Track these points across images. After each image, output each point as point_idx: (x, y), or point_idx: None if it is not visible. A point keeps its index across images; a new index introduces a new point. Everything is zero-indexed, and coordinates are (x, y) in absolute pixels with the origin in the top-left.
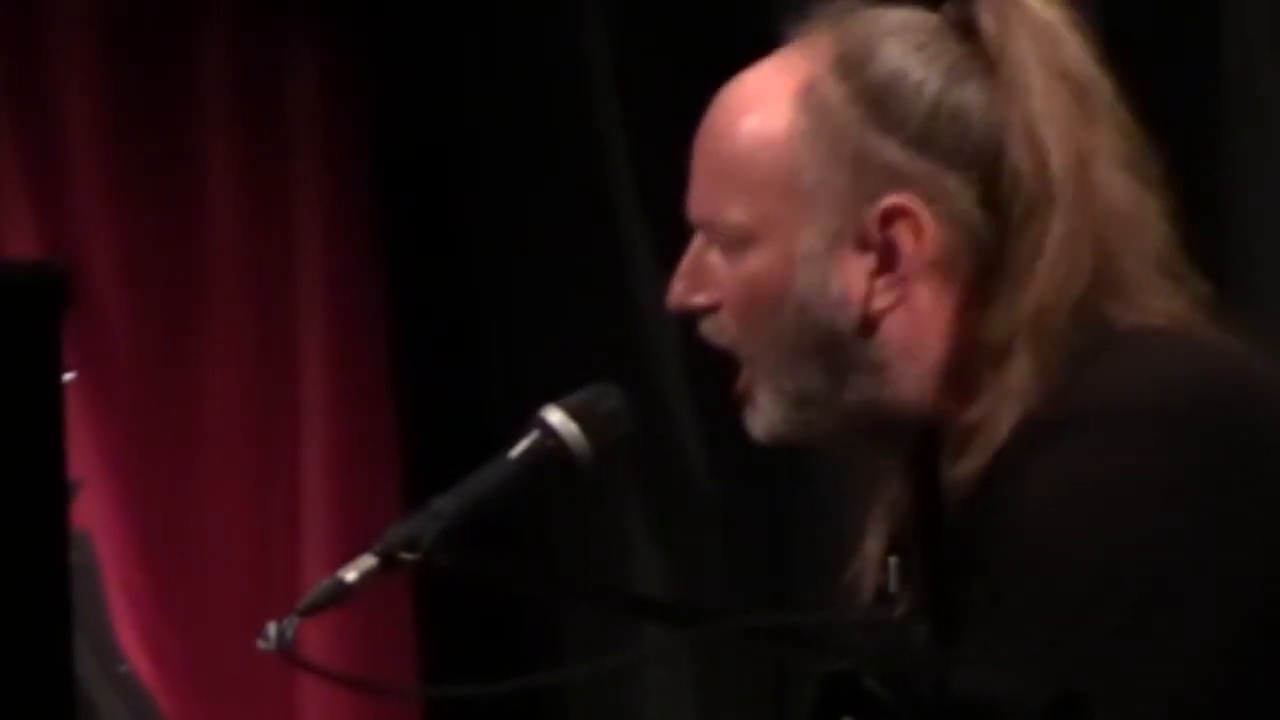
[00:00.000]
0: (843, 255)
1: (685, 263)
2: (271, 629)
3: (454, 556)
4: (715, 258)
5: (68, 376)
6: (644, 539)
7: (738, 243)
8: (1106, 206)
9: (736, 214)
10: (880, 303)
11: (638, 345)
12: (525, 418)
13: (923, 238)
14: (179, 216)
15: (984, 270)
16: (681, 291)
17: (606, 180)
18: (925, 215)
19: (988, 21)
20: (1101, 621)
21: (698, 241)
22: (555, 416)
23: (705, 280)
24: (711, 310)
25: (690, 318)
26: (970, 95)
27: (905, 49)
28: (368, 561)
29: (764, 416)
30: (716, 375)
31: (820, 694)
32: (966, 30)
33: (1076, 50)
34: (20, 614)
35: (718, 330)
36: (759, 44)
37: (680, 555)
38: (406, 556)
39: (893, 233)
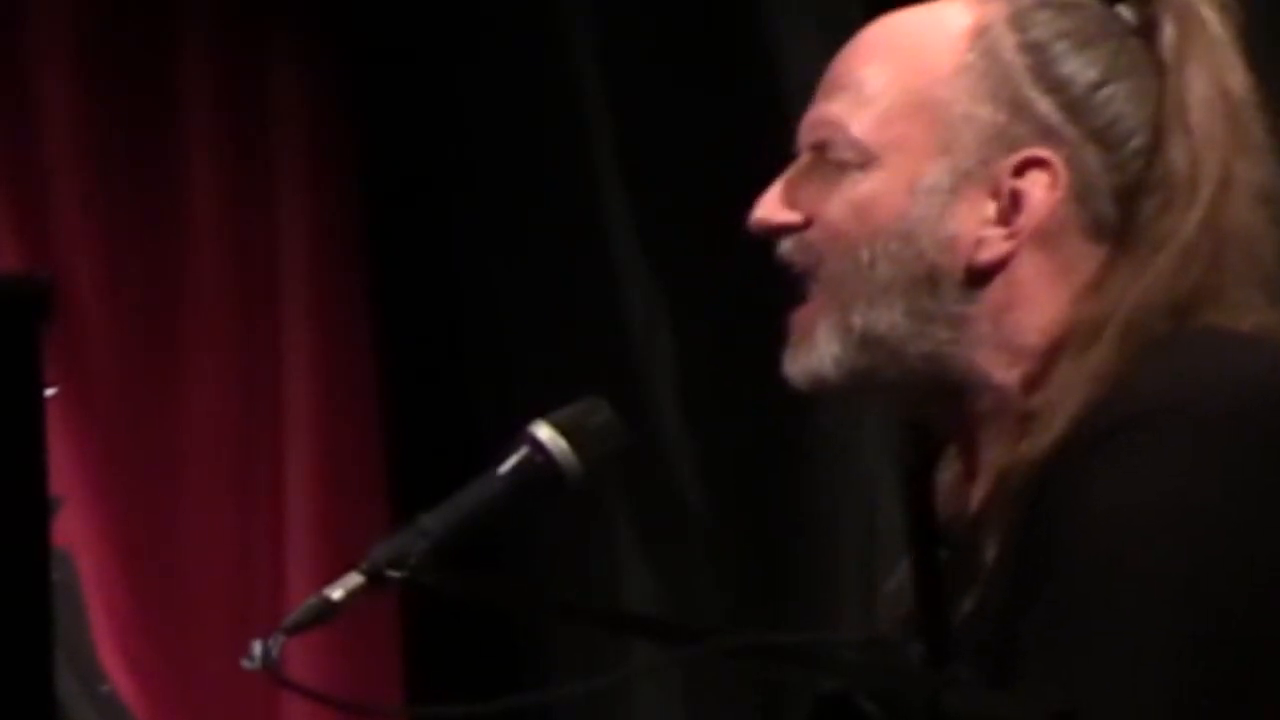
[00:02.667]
0: (966, 197)
1: (778, 183)
2: (256, 648)
3: (441, 574)
4: (815, 182)
5: (49, 392)
6: (634, 556)
7: (856, 163)
8: (1232, 231)
9: (867, 132)
10: (989, 253)
11: (629, 360)
12: (514, 433)
13: (1053, 197)
14: (162, 232)
15: (1095, 255)
16: (771, 207)
17: (597, 194)
18: (1063, 176)
19: (1168, 27)
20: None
21: (799, 164)
22: (544, 432)
23: (800, 199)
24: (800, 228)
25: (763, 239)
26: (1134, 86)
27: (1082, 21)
28: (354, 579)
29: (817, 353)
30: (708, 392)
31: (813, 714)
32: (1143, 29)
33: (1243, 76)
34: (0, 633)
35: (801, 250)
36: (752, 59)
37: (671, 573)
38: (393, 574)
39: (1024, 184)
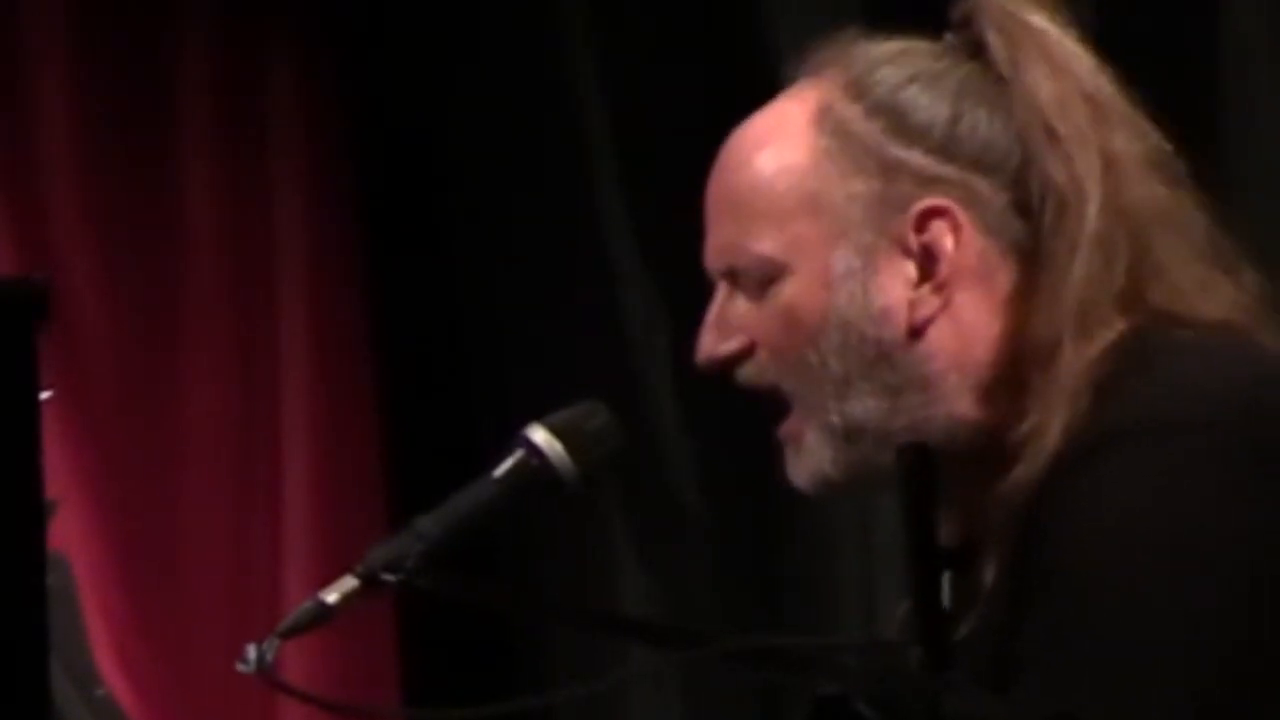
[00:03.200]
0: (881, 268)
1: (710, 316)
2: (251, 651)
3: (437, 578)
4: (741, 304)
5: (45, 394)
6: (632, 559)
7: (768, 277)
8: (1137, 204)
9: (765, 246)
10: (924, 311)
11: (625, 363)
12: (510, 436)
13: (961, 237)
14: (159, 234)
15: (1022, 275)
16: (711, 343)
17: (594, 197)
18: (961, 216)
19: (994, 39)
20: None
21: (720, 293)
22: (540, 435)
23: (733, 327)
24: (745, 355)
25: (716, 374)
26: (987, 108)
27: (914, 67)
28: (349, 583)
29: (812, 460)
30: (706, 393)
31: (812, 717)
32: (973, 51)
33: (1083, 60)
34: None
35: (757, 374)
36: (749, 59)
37: (668, 575)
38: (389, 578)
39: (930, 236)
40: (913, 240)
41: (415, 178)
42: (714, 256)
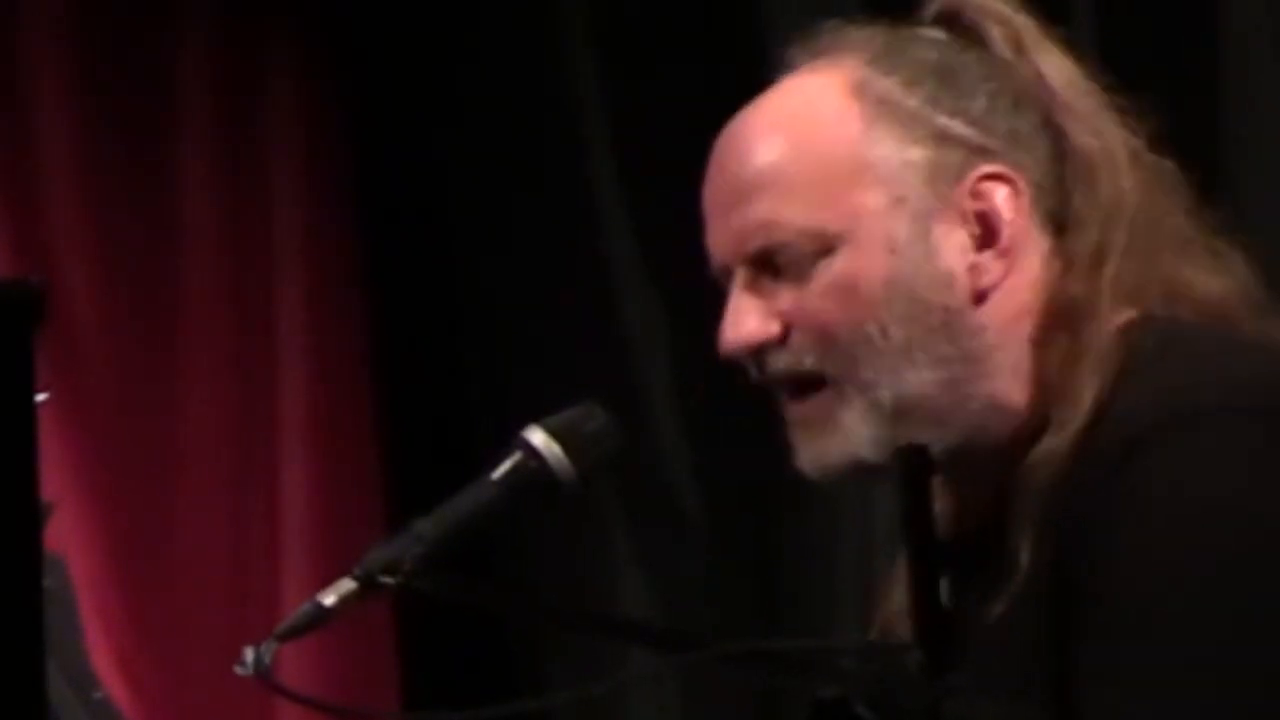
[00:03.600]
0: (941, 233)
1: (734, 305)
2: (249, 654)
3: (436, 580)
4: (772, 287)
5: (41, 396)
6: (630, 562)
7: (818, 251)
8: (1138, 188)
9: (816, 218)
10: (989, 277)
11: (625, 365)
12: (509, 438)
13: (1021, 204)
14: (156, 235)
15: (1058, 246)
16: (743, 330)
17: (593, 198)
18: (1020, 183)
19: (995, 31)
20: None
21: (741, 281)
22: (538, 437)
23: (767, 312)
24: (778, 342)
25: (744, 363)
26: (1010, 94)
27: (935, 47)
28: (347, 585)
29: (851, 440)
30: (704, 395)
31: None
32: (967, 45)
33: (1069, 55)
34: None
35: (796, 356)
36: (747, 58)
37: (667, 579)
38: (387, 580)
39: (988, 203)
40: (970, 207)
41: (414, 179)
42: (736, 241)
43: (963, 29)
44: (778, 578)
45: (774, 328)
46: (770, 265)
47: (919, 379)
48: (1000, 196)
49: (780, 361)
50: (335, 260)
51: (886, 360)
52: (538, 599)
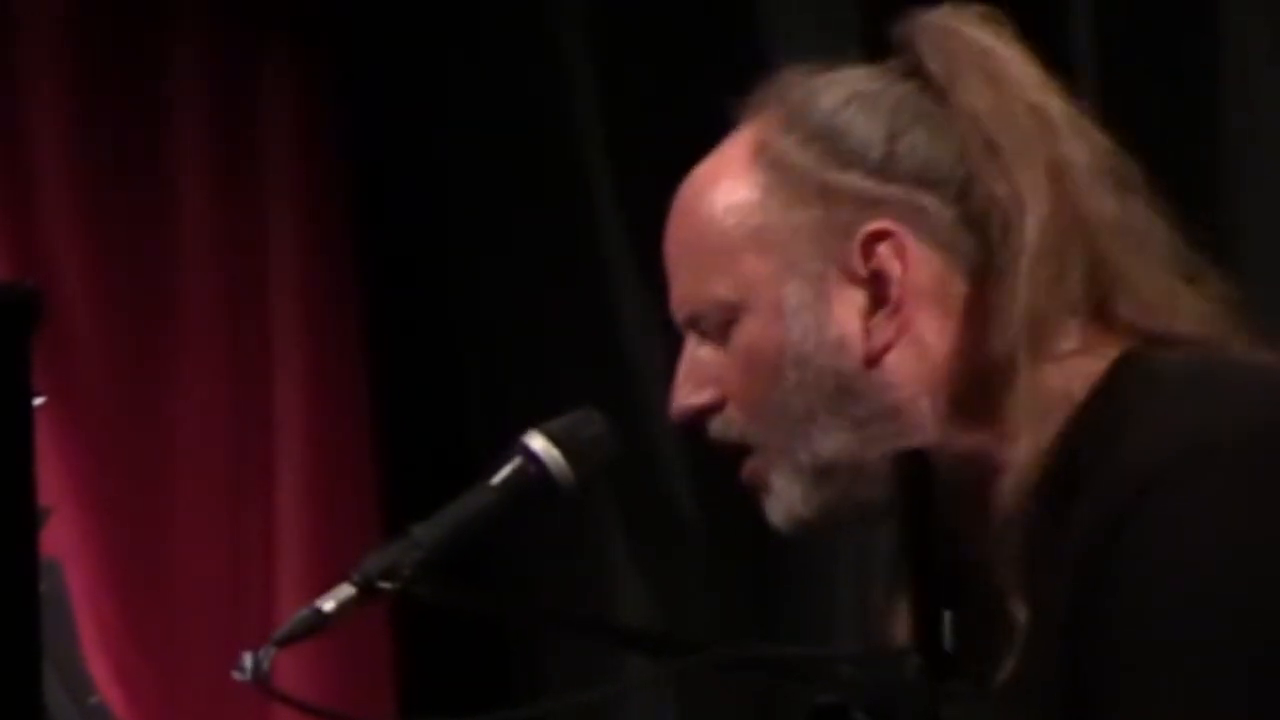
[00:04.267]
0: (832, 297)
1: (681, 370)
2: (247, 659)
3: (434, 586)
4: (707, 353)
5: (37, 401)
6: (628, 567)
7: (726, 321)
8: (1091, 214)
9: (719, 289)
10: (881, 338)
11: (622, 370)
12: (506, 443)
13: (908, 259)
14: (151, 239)
15: (975, 291)
16: (682, 397)
17: (590, 202)
18: (908, 236)
19: (931, 56)
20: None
21: (689, 345)
22: (537, 442)
23: (703, 379)
24: (716, 408)
25: (695, 428)
26: (927, 126)
27: (849, 90)
28: (345, 591)
29: (785, 500)
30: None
31: None
32: (911, 71)
33: (1025, 72)
34: None
35: (725, 426)
36: (745, 73)
37: (665, 585)
38: (385, 586)
39: (878, 261)
40: (861, 267)
41: (412, 183)
42: (677, 307)
43: (911, 58)
44: (775, 582)
45: (706, 397)
46: (705, 335)
47: (832, 441)
48: (887, 254)
49: (714, 429)
50: (331, 266)
51: (794, 427)
52: (535, 605)
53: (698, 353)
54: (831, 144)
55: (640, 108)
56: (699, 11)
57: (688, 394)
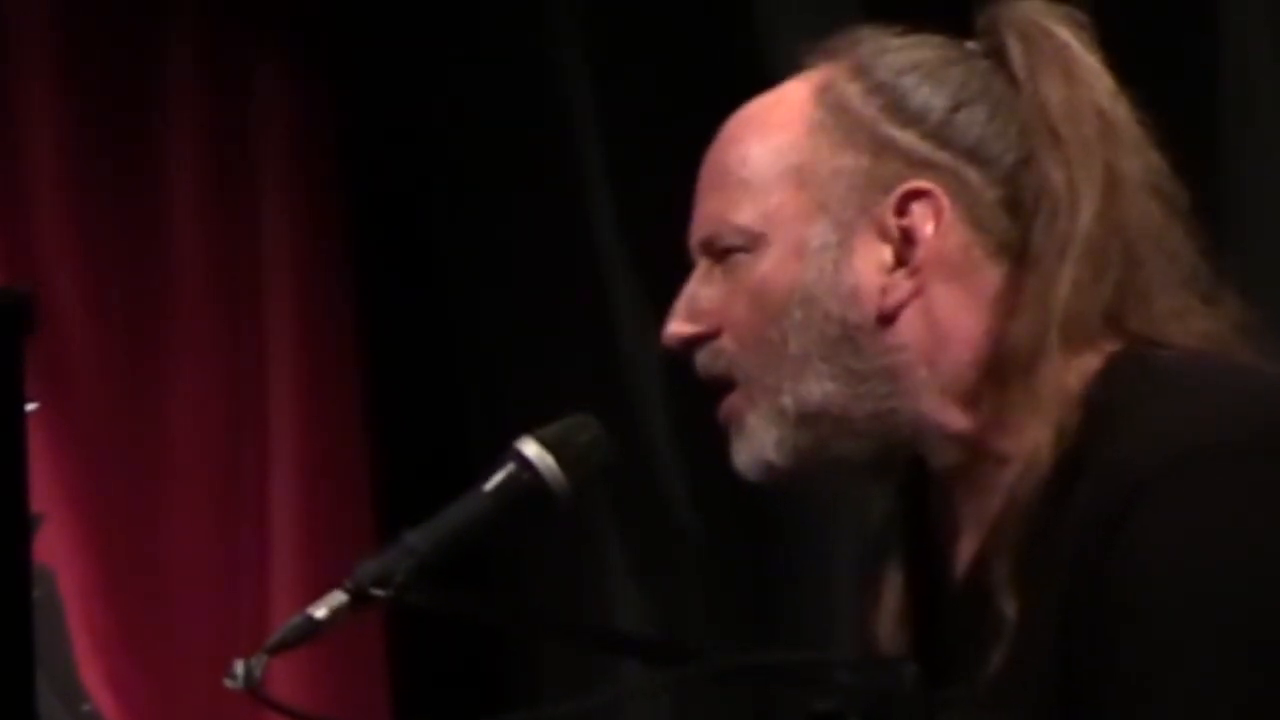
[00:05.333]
0: (856, 246)
1: (681, 298)
2: (239, 667)
3: (428, 593)
4: (714, 285)
5: (30, 407)
6: (624, 574)
7: (746, 247)
8: (1134, 222)
9: (746, 215)
10: (896, 296)
11: (618, 376)
12: (501, 449)
13: (943, 224)
14: (145, 245)
15: (1008, 277)
16: (678, 323)
17: (587, 207)
18: (945, 201)
19: (1013, 43)
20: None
21: (697, 272)
22: (531, 449)
23: (703, 309)
24: (710, 337)
25: (681, 356)
26: (990, 104)
27: (921, 56)
28: (338, 598)
29: (756, 442)
30: (699, 406)
31: None
32: (991, 55)
33: (1100, 77)
34: None
35: (714, 357)
36: (744, 73)
37: (661, 591)
38: (378, 593)
39: (910, 219)
40: (892, 223)
41: (405, 189)
42: (697, 227)
43: (993, 42)
44: (772, 588)
45: (702, 326)
46: (717, 259)
47: (821, 389)
48: (923, 214)
49: (700, 359)
50: (325, 271)
51: (787, 367)
52: (531, 611)
53: (706, 281)
54: (894, 100)
55: (639, 108)
56: (700, 13)
57: (682, 322)
